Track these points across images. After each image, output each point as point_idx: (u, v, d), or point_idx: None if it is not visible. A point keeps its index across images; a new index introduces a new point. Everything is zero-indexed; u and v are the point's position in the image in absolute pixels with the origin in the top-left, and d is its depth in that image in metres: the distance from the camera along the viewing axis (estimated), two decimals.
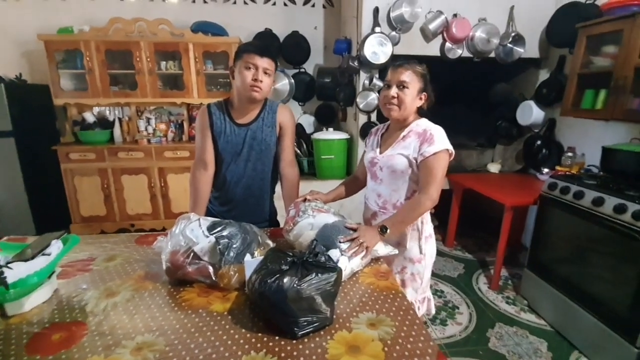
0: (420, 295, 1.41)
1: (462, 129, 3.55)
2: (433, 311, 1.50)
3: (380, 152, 1.35)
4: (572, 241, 2.01)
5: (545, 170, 2.77)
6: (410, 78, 1.23)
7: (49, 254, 0.99)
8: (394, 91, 1.25)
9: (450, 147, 1.23)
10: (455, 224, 3.13)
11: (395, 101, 1.25)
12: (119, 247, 1.33)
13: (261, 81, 1.35)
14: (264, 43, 1.42)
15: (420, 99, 1.28)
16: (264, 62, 1.35)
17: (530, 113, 2.91)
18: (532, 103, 2.92)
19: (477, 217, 3.53)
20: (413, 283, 1.39)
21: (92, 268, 1.17)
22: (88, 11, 3.24)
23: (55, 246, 1.02)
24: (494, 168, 3.21)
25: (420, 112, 1.33)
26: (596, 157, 2.36)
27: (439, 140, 1.21)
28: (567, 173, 2.30)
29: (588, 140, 2.59)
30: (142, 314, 0.92)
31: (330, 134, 3.02)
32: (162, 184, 3.28)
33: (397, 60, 1.29)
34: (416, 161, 1.25)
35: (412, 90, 1.24)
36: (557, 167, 2.65)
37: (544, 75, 2.99)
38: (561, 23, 2.60)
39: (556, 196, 2.04)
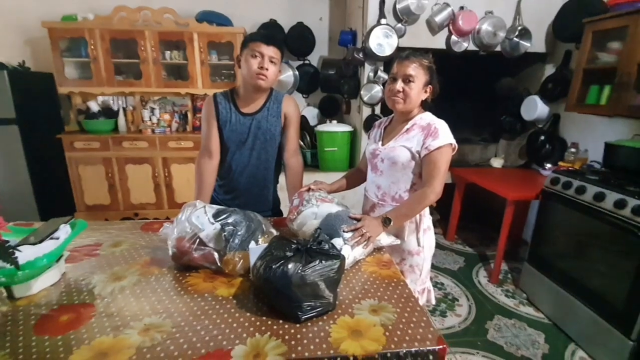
0: (419, 286, 1.43)
1: (466, 123, 3.54)
2: (433, 301, 1.52)
3: (383, 144, 1.35)
4: (572, 236, 2.02)
5: (548, 165, 2.77)
6: (417, 71, 1.23)
7: (57, 238, 1.01)
8: (399, 85, 1.24)
9: (454, 141, 1.24)
10: (457, 218, 3.14)
11: (400, 95, 1.25)
12: (125, 234, 1.35)
13: (267, 69, 1.36)
14: (270, 32, 1.42)
15: (426, 92, 1.28)
16: (270, 51, 1.36)
17: (535, 108, 2.90)
18: (536, 98, 2.91)
19: (479, 211, 3.54)
20: (412, 274, 1.40)
21: (99, 253, 1.19)
22: None
23: (64, 230, 1.04)
24: (496, 163, 3.21)
25: (425, 106, 1.33)
26: (599, 153, 2.36)
27: (443, 135, 1.22)
28: (570, 168, 2.31)
29: (591, 136, 2.58)
30: (149, 297, 0.94)
31: (333, 127, 3.02)
32: (166, 174, 3.30)
33: (404, 52, 1.28)
34: (419, 154, 1.25)
35: (417, 84, 1.24)
36: (560, 163, 2.65)
37: (549, 70, 2.97)
38: (568, 17, 2.58)
39: (558, 191, 2.05)
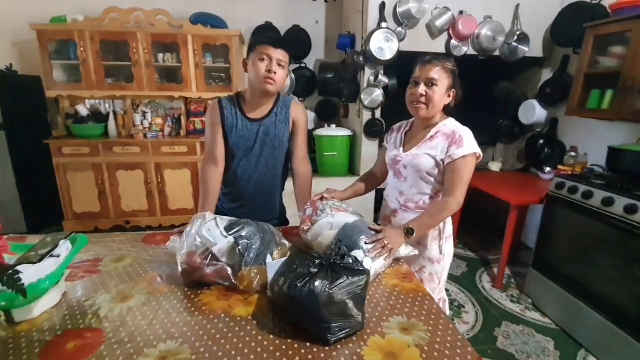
0: (437, 296, 1.39)
1: (464, 126, 3.54)
2: (447, 312, 1.48)
3: (405, 151, 1.31)
4: (579, 241, 2.01)
5: (548, 169, 2.78)
6: (440, 75, 1.19)
7: (57, 256, 0.93)
8: (422, 89, 1.20)
9: (479, 150, 1.20)
10: (457, 222, 3.12)
11: (423, 99, 1.21)
12: (127, 247, 1.27)
13: (275, 73, 1.31)
14: (278, 36, 1.38)
15: (449, 96, 1.24)
16: (278, 54, 1.30)
17: (533, 112, 2.92)
18: (535, 102, 2.92)
19: (478, 215, 3.53)
20: (431, 283, 1.36)
21: (100, 269, 1.11)
22: (82, 0, 3.12)
23: (64, 247, 0.96)
24: (495, 167, 3.21)
25: (447, 111, 1.29)
26: (599, 157, 2.37)
27: (468, 144, 1.19)
28: (574, 172, 2.31)
29: (591, 139, 2.60)
30: (161, 319, 0.87)
31: (333, 131, 2.97)
32: (159, 180, 3.20)
33: (426, 55, 1.23)
34: (443, 163, 1.21)
35: (441, 88, 1.20)
36: (560, 167, 2.67)
37: (546, 74, 2.99)
38: (566, 23, 2.60)
39: (564, 196, 2.04)
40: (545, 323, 2.12)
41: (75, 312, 0.89)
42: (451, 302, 2.32)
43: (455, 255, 2.99)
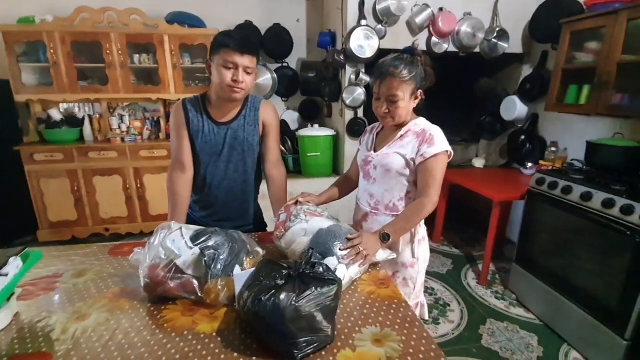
0: (413, 300, 1.35)
1: (446, 124, 3.48)
2: (426, 317, 1.46)
3: (375, 151, 1.28)
4: (560, 235, 2.01)
5: (529, 164, 2.79)
6: (399, 88, 1.15)
7: (5, 275, 0.86)
8: (384, 108, 1.18)
9: (450, 148, 1.18)
10: (442, 220, 3.12)
11: (388, 114, 1.19)
12: (90, 260, 1.21)
13: (242, 82, 1.23)
14: (243, 35, 1.27)
15: (416, 98, 1.21)
16: (245, 61, 1.21)
17: (514, 108, 2.93)
18: (515, 98, 2.93)
19: (463, 211, 3.54)
20: (405, 289, 1.32)
21: (58, 286, 1.04)
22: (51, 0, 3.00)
23: (14, 265, 0.90)
24: (478, 163, 3.22)
25: (422, 106, 1.26)
26: (578, 152, 2.39)
27: (439, 142, 1.16)
28: (553, 168, 2.32)
29: (570, 134, 2.62)
30: (118, 339, 0.81)
31: (315, 131, 2.93)
32: (139, 185, 3.11)
33: (382, 63, 1.18)
34: (414, 162, 1.18)
35: (403, 99, 1.17)
36: (541, 162, 2.68)
37: (526, 70, 3.00)
38: (544, 18, 2.61)
39: (544, 191, 2.04)
40: (529, 319, 2.13)
41: (26, 335, 0.83)
42: (436, 300, 2.30)
43: (441, 253, 2.99)
